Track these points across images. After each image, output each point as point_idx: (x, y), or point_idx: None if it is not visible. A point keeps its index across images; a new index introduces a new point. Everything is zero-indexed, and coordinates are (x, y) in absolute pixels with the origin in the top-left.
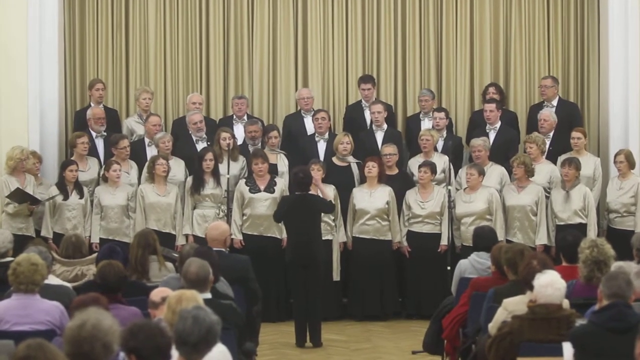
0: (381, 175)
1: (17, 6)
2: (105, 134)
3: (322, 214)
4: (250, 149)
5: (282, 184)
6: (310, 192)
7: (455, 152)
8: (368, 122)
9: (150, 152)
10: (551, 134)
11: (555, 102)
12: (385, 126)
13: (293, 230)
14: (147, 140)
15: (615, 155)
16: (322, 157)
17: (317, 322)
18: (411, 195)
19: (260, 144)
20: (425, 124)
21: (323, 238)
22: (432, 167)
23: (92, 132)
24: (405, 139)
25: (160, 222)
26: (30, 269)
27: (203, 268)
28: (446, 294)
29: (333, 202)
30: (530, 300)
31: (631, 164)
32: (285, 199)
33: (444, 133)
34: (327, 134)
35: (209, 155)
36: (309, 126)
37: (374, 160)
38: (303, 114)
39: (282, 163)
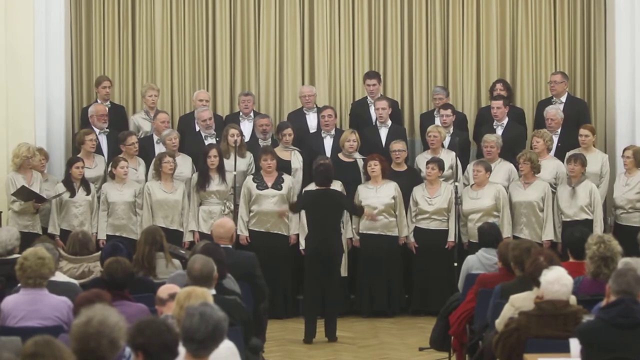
0: (384, 171)
1: (23, 4)
2: (107, 130)
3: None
4: (261, 143)
5: (289, 180)
6: (331, 188)
7: (463, 148)
8: (374, 118)
9: (159, 149)
10: (558, 130)
11: (564, 99)
12: (389, 122)
13: (314, 225)
14: (155, 138)
15: (624, 150)
16: (328, 154)
17: (334, 317)
18: (418, 192)
19: (270, 139)
20: (439, 120)
21: None
22: (440, 164)
23: (95, 128)
24: (421, 136)
25: (168, 219)
26: (37, 262)
27: (207, 265)
28: (453, 290)
29: (364, 209)
30: (537, 296)
31: (638, 162)
32: (307, 193)
33: (451, 129)
34: (333, 130)
35: (213, 152)
36: (311, 123)
37: (375, 159)
38: (305, 112)
39: (296, 160)
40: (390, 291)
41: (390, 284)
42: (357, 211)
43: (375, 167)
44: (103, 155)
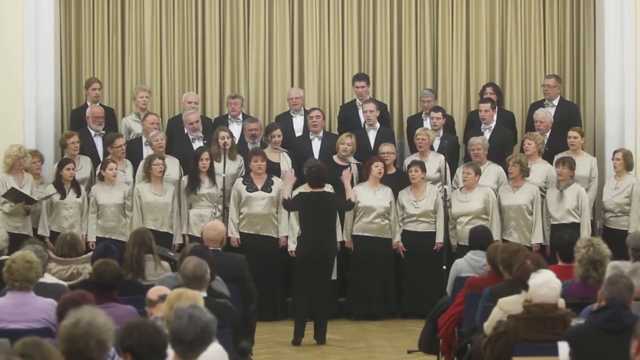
0: (384, 175)
1: (13, 5)
2: (103, 132)
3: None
4: (250, 147)
5: (279, 183)
6: (325, 190)
7: (452, 152)
8: (362, 120)
9: (147, 150)
10: (547, 133)
11: (556, 102)
12: (377, 125)
13: (308, 227)
14: (144, 139)
15: (614, 152)
16: (316, 156)
17: (325, 320)
18: (404, 195)
19: (259, 143)
20: (428, 123)
21: None
22: (422, 166)
23: (90, 130)
24: (408, 139)
25: (158, 221)
26: (24, 266)
27: (200, 266)
28: (442, 293)
29: (352, 200)
30: (525, 299)
31: (628, 165)
32: (301, 195)
33: (441, 132)
34: (321, 132)
35: (205, 155)
36: (297, 126)
37: (381, 160)
38: (292, 114)
39: (285, 162)
40: (384, 294)
41: (385, 287)
42: (348, 205)
43: (382, 168)
44: (98, 156)
